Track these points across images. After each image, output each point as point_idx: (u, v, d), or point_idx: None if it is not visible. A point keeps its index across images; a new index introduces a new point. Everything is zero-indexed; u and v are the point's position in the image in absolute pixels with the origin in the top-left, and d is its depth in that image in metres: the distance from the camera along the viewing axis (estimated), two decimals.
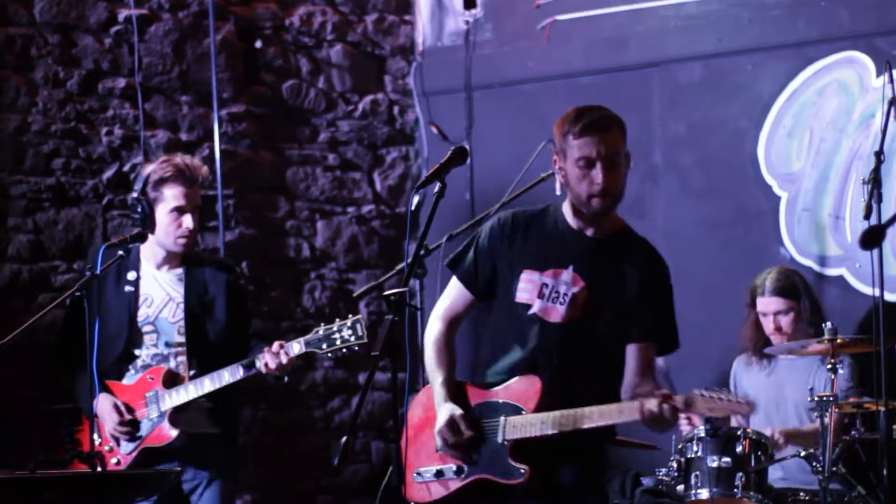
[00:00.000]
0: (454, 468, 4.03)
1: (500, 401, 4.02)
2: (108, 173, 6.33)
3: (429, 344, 4.20)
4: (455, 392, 4.08)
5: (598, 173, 3.91)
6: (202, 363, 4.95)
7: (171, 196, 4.91)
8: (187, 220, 4.93)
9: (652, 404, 3.79)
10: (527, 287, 4.04)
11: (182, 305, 4.99)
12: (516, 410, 3.97)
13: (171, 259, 5.04)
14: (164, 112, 6.53)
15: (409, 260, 3.83)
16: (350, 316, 4.80)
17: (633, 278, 4.01)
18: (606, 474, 4.30)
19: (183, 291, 5.00)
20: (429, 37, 7.40)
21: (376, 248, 7.22)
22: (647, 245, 4.10)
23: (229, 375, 4.83)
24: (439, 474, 4.04)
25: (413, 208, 3.91)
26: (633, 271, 4.01)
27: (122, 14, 6.40)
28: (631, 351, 4.03)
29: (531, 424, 3.92)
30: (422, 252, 4.42)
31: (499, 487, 3.97)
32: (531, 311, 4.03)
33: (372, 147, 7.28)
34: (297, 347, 4.80)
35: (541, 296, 4.02)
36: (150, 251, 5.02)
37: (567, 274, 4.02)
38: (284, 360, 4.78)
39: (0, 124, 6.01)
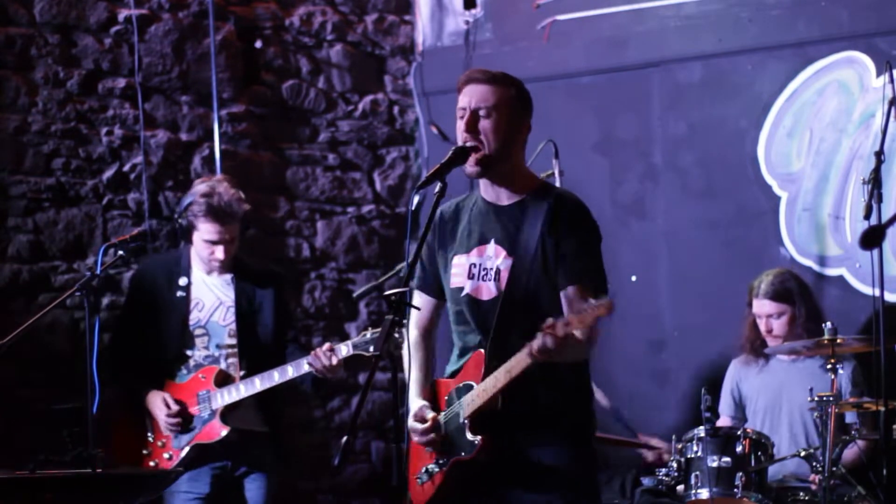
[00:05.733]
0: (440, 461, 4.03)
1: (458, 385, 4.02)
2: (108, 173, 6.32)
3: (404, 353, 4.22)
4: (429, 390, 4.12)
5: (462, 122, 3.95)
6: (252, 364, 5.18)
7: (206, 230, 5.15)
8: (219, 252, 5.17)
9: (537, 342, 3.69)
10: (457, 271, 4.06)
11: (232, 309, 5.22)
12: (468, 388, 3.96)
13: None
14: (164, 112, 6.52)
15: (410, 260, 3.83)
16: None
17: (552, 232, 3.93)
18: (590, 449, 4.02)
19: (233, 296, 5.23)
20: (429, 37, 7.40)
21: (376, 248, 7.21)
22: (563, 196, 4.02)
23: (279, 376, 5.05)
24: (428, 472, 4.06)
25: (413, 208, 3.92)
26: (550, 226, 3.94)
27: (122, 14, 6.40)
28: (563, 299, 3.94)
29: (477, 395, 3.91)
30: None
31: (474, 470, 3.94)
32: (464, 293, 4.03)
33: (372, 147, 7.27)
34: (344, 350, 4.99)
35: (470, 276, 4.02)
36: (199, 258, 5.23)
37: (490, 248, 4.01)
38: (334, 361, 4.97)
39: (0, 124, 6.01)
